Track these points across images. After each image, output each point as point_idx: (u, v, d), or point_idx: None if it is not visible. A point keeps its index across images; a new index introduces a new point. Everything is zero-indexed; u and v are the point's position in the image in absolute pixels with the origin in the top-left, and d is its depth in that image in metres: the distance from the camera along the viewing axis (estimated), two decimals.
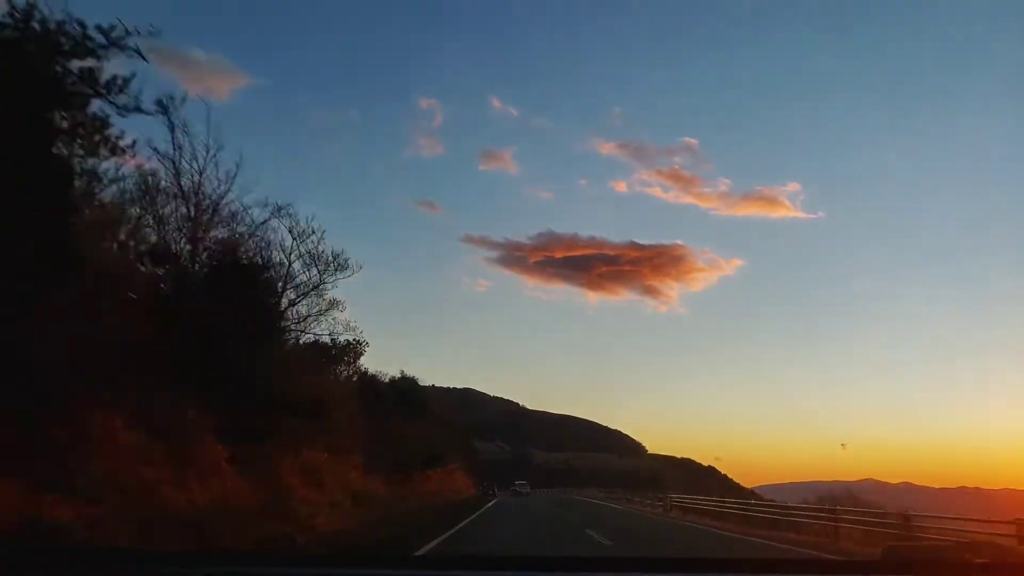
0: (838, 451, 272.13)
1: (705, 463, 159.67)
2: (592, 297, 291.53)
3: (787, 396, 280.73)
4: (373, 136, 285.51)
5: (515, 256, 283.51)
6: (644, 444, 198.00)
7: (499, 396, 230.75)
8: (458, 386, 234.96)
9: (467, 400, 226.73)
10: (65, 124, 11.07)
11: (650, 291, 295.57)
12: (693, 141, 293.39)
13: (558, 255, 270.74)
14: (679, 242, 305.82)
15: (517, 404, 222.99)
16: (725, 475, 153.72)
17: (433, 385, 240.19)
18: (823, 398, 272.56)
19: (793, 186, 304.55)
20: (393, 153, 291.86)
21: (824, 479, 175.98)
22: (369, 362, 59.08)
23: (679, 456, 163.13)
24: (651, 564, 2.20)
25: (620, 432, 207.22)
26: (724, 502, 28.46)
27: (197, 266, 16.92)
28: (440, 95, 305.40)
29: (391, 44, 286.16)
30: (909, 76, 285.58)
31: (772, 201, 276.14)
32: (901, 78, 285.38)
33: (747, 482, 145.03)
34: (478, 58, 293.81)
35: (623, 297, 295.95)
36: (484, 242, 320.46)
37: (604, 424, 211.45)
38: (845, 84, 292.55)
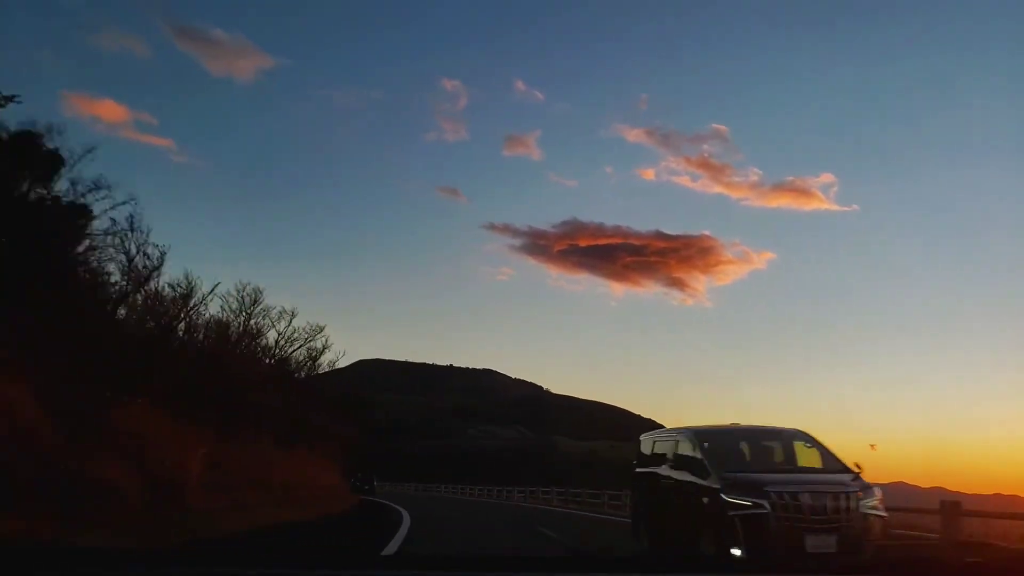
0: (867, 452, 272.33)
1: None
2: (617, 288, 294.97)
3: (816, 393, 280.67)
4: (396, 118, 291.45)
5: (538, 244, 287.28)
6: None
7: (521, 379, 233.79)
8: (478, 367, 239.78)
9: (487, 381, 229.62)
10: None
11: (676, 283, 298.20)
12: (723, 128, 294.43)
13: (582, 244, 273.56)
14: (707, 233, 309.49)
15: (540, 387, 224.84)
16: None
17: (451, 365, 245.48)
18: (853, 397, 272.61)
19: (826, 177, 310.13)
20: (415, 136, 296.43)
21: None
22: None
23: None
24: (631, 564, 2.27)
25: (654, 421, 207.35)
26: None
27: None
28: (465, 76, 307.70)
29: (416, 24, 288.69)
30: (951, 64, 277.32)
31: (804, 192, 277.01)
32: (943, 66, 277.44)
33: None
34: (503, 39, 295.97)
35: (648, 289, 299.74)
36: (507, 230, 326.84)
37: (636, 412, 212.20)
38: (881, 72, 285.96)
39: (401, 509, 25.87)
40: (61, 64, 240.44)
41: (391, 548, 12.42)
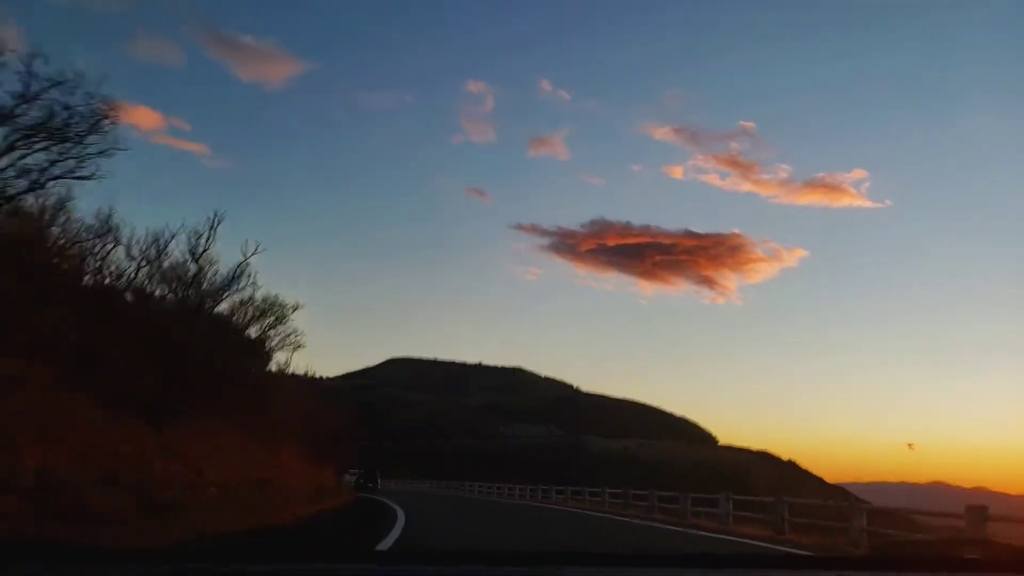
0: (903, 451, 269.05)
1: (785, 457, 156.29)
2: (646, 287, 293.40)
3: (851, 392, 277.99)
4: (423, 120, 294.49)
5: (566, 244, 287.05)
6: (714, 434, 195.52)
7: (551, 377, 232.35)
8: (508, 365, 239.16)
9: (516, 380, 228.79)
10: None
11: (707, 282, 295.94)
12: (751, 125, 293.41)
13: (610, 243, 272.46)
14: (737, 231, 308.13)
15: (571, 386, 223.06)
16: (807, 471, 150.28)
17: (480, 363, 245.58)
18: (889, 395, 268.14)
19: (858, 173, 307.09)
20: (443, 138, 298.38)
21: (890, 480, 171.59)
22: None
23: (754, 448, 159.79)
24: (629, 560, 2.31)
25: (688, 420, 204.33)
26: None
27: None
28: (490, 78, 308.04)
29: (442, 26, 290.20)
30: (988, 56, 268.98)
31: (836, 189, 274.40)
32: (979, 58, 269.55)
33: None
34: (528, 40, 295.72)
35: (679, 287, 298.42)
36: (535, 230, 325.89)
37: (669, 411, 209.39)
38: (914, 65, 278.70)
39: (397, 509, 23.79)
40: (96, 72, 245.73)
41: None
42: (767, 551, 13.25)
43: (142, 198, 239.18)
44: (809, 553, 12.09)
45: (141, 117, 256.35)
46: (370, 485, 53.25)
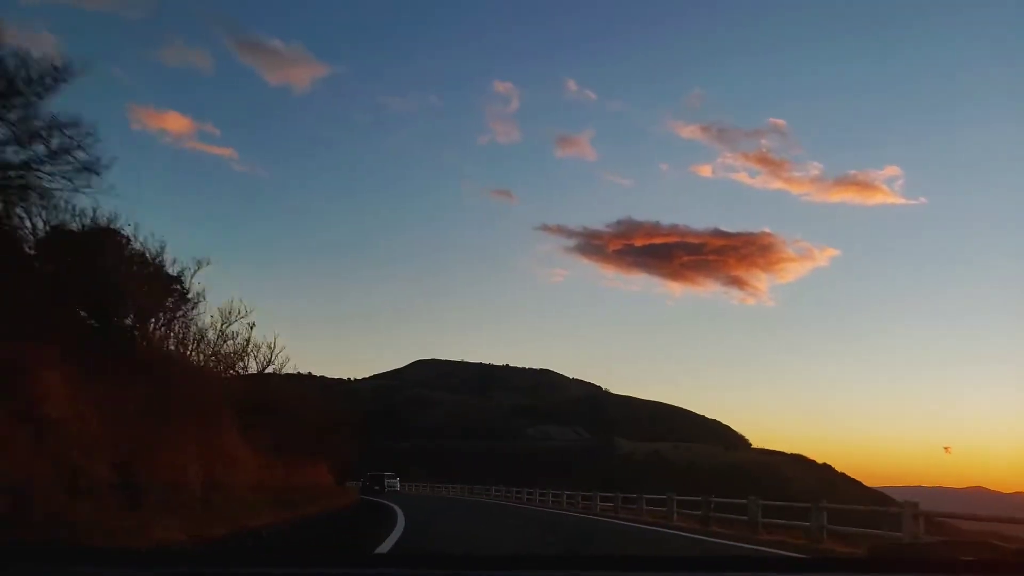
0: (940, 454, 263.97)
1: (819, 460, 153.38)
2: (675, 287, 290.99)
3: (885, 395, 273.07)
4: (449, 122, 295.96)
5: (592, 245, 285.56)
6: (746, 437, 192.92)
7: (578, 378, 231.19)
8: (534, 366, 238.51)
9: (543, 381, 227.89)
10: None
11: (736, 282, 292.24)
12: (780, 122, 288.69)
13: (638, 243, 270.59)
14: (767, 230, 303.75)
15: (599, 387, 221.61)
16: (843, 473, 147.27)
17: (507, 364, 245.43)
18: (925, 397, 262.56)
19: (892, 170, 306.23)
20: (468, 139, 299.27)
21: (925, 484, 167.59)
22: None
23: (788, 451, 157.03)
24: (627, 562, 2.35)
25: (719, 422, 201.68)
26: None
27: None
28: (516, 78, 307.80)
29: (467, 27, 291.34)
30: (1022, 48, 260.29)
31: (868, 186, 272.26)
32: (1013, 51, 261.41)
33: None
34: (554, 40, 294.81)
35: (707, 288, 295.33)
36: (560, 230, 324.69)
37: (700, 413, 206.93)
38: (948, 59, 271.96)
39: (398, 508, 23.16)
40: (129, 79, 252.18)
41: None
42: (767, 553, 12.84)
43: (170, 206, 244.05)
44: (815, 556, 11.96)
45: (172, 122, 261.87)
46: (376, 488, 54.65)
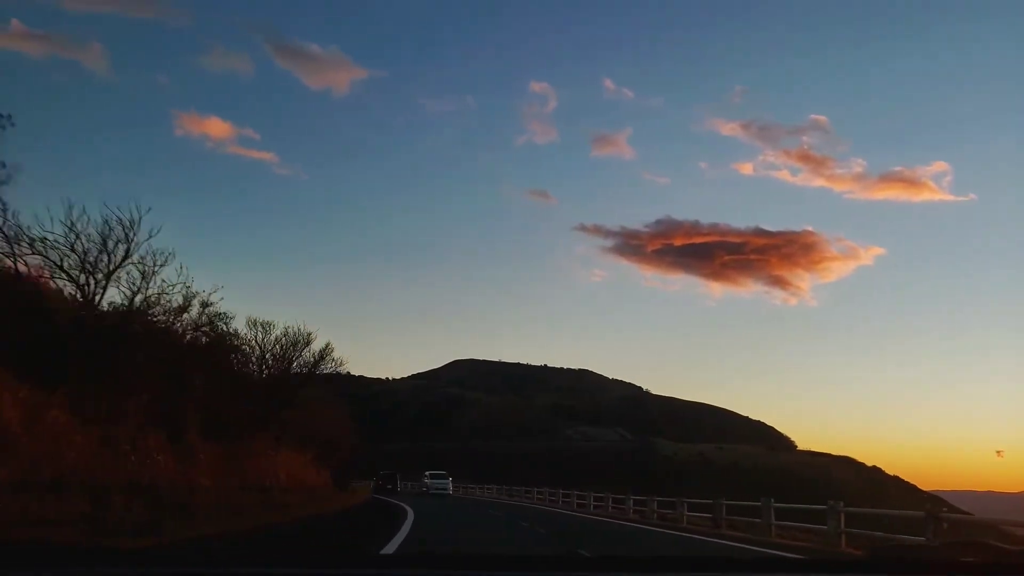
0: (991, 458, 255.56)
1: (868, 462, 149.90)
2: (715, 287, 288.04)
3: (932, 397, 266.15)
4: (486, 122, 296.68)
5: (631, 245, 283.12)
6: (792, 438, 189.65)
7: (619, 379, 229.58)
8: (574, 367, 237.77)
9: (584, 381, 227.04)
10: None
11: (778, 282, 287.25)
12: (822, 119, 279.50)
13: (677, 243, 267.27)
14: (809, 228, 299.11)
15: (640, 388, 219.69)
16: (896, 476, 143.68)
17: (545, 365, 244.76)
18: (974, 399, 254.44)
19: (939, 166, 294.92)
20: (506, 140, 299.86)
21: (976, 488, 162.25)
22: None
23: (835, 453, 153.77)
24: (629, 563, 2.39)
25: (764, 424, 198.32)
26: None
27: None
28: (553, 78, 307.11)
29: (503, 27, 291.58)
30: None
31: (914, 183, 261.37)
32: None
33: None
34: (590, 38, 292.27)
35: (748, 288, 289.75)
36: (598, 231, 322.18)
37: (744, 414, 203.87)
38: (997, 53, 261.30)
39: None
40: (172, 85, 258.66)
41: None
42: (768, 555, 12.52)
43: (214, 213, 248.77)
44: (815, 557, 11.77)
45: (213, 127, 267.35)
46: (388, 487, 55.32)
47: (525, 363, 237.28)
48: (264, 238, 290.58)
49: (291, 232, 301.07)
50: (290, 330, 32.74)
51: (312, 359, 34.00)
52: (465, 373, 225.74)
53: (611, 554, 11.99)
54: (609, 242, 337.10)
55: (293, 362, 32.97)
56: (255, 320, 32.19)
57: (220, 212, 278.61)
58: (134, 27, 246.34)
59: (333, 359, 35.81)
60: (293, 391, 33.38)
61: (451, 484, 53.21)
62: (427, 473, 56.07)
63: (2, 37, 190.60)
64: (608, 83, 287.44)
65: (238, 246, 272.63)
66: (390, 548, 12.38)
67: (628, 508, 27.20)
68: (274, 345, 32.32)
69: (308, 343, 33.23)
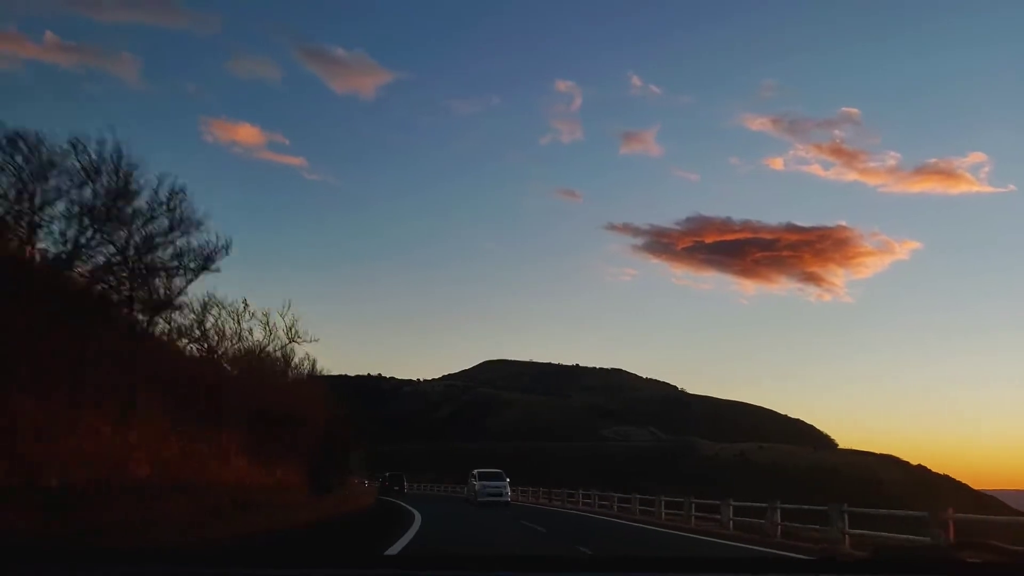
0: None
1: (913, 461, 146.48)
2: (747, 285, 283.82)
3: (971, 393, 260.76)
4: (512, 122, 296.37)
5: (661, 243, 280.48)
6: (832, 437, 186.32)
7: (652, 378, 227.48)
8: (606, 366, 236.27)
9: (617, 380, 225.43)
10: None
11: (812, 278, 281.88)
12: (854, 111, 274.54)
13: (708, 240, 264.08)
14: (843, 223, 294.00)
15: (675, 387, 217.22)
16: (946, 475, 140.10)
17: (577, 364, 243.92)
18: (1018, 395, 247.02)
19: (976, 156, 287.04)
20: (532, 140, 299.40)
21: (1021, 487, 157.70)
22: None
23: (877, 452, 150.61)
24: (631, 563, 2.36)
25: (803, 422, 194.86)
26: None
27: None
28: (578, 76, 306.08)
29: (527, 27, 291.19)
30: None
31: (950, 175, 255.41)
32: None
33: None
34: (616, 35, 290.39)
35: (782, 285, 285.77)
36: (628, 229, 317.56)
37: (783, 412, 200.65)
38: None
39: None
40: (202, 92, 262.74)
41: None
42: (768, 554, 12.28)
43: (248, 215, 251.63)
44: (818, 556, 10.70)
45: (243, 133, 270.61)
46: (396, 488, 55.70)
47: (557, 363, 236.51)
48: (296, 241, 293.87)
49: (321, 235, 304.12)
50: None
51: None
52: (496, 374, 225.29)
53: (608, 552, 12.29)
54: (639, 240, 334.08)
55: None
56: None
57: (253, 217, 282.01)
58: (163, 36, 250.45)
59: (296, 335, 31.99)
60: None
61: (508, 487, 37.11)
62: (475, 472, 38.96)
63: (37, 49, 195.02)
64: (635, 80, 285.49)
65: (272, 252, 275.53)
66: None
67: (727, 521, 19.25)
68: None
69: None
